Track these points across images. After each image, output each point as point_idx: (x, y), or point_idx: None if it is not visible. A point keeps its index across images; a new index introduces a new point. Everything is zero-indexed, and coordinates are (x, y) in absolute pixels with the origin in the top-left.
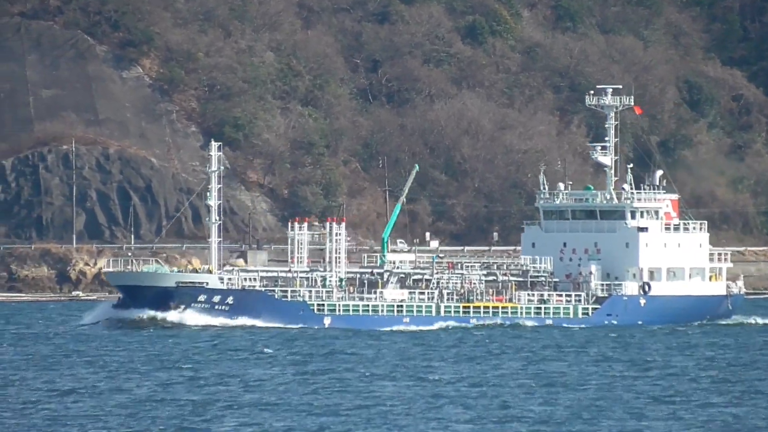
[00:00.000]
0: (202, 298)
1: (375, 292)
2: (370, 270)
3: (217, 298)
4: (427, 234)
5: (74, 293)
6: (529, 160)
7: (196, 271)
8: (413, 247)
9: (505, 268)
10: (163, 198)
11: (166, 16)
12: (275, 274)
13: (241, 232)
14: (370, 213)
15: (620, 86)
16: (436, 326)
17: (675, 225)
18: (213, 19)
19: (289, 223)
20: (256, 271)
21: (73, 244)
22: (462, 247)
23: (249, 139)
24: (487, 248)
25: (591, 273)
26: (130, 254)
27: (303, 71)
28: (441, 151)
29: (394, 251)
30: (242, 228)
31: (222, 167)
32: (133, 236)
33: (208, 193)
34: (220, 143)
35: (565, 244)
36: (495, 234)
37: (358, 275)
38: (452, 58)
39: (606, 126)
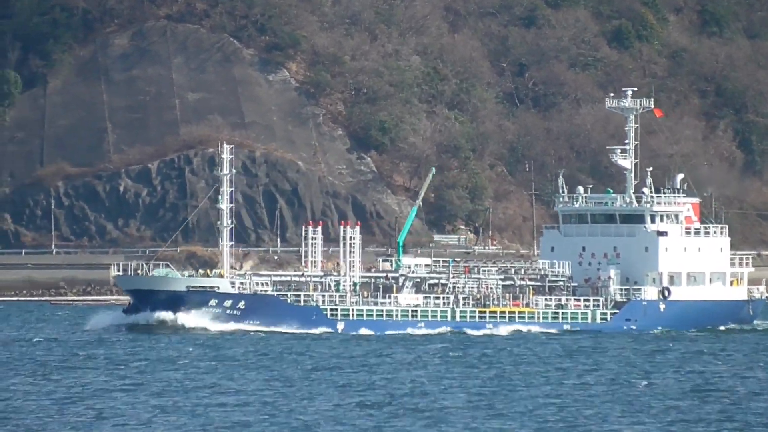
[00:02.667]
0: (213, 302)
1: (390, 297)
2: (384, 274)
3: (228, 303)
4: None
5: None
6: (675, 165)
7: (208, 275)
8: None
9: (522, 272)
10: (309, 201)
11: (313, 19)
12: (288, 278)
13: (387, 236)
14: (516, 217)
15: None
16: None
17: (695, 229)
18: (359, 22)
19: (303, 227)
20: (269, 275)
21: (218, 247)
22: None
23: (395, 143)
24: None
25: (610, 277)
26: (276, 257)
27: (449, 75)
28: (587, 155)
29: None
30: (389, 232)
31: (365, 169)
32: (279, 239)
33: (219, 197)
34: (231, 146)
35: (584, 248)
36: None
37: (373, 280)
38: (598, 62)
39: (626, 129)
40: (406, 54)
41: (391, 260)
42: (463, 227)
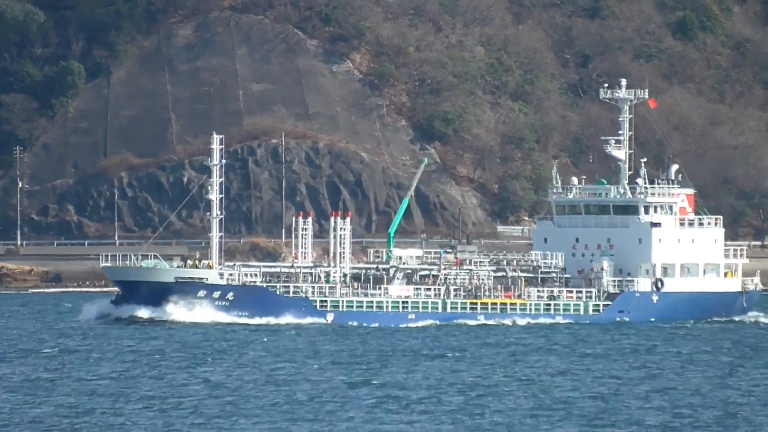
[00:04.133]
0: (201, 293)
1: (380, 288)
2: (375, 266)
3: (216, 294)
4: None
5: None
6: (739, 156)
7: (197, 267)
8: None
9: (515, 264)
10: (373, 192)
11: (377, 10)
12: (278, 269)
13: (450, 227)
14: None
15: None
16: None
17: (689, 220)
18: (423, 13)
19: (294, 218)
20: (258, 266)
21: (282, 238)
22: None
23: (459, 134)
24: None
25: (603, 269)
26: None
27: (513, 66)
28: (651, 146)
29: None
30: (452, 223)
31: (428, 161)
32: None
33: (209, 187)
34: (221, 137)
35: (577, 240)
36: None
37: (364, 271)
38: (662, 54)
39: (620, 119)
40: (470, 45)
41: (383, 252)
42: (526, 218)
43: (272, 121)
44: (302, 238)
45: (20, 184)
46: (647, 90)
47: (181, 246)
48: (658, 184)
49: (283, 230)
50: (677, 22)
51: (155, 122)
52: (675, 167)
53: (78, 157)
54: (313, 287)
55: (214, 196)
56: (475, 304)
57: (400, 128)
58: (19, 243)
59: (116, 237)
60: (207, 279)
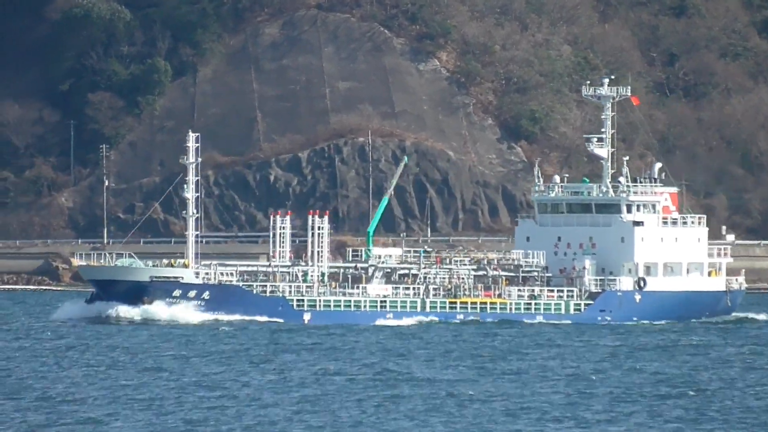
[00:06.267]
0: (177, 292)
1: (358, 288)
2: (354, 265)
3: (192, 293)
4: (723, 228)
5: None
6: None
7: (172, 266)
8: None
9: (496, 263)
10: (460, 191)
11: (463, 9)
12: (255, 268)
13: None
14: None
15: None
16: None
17: (673, 219)
18: (510, 12)
19: (271, 216)
20: (235, 265)
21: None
22: (758, 242)
23: (545, 132)
24: None
25: (585, 268)
26: (428, 246)
27: (600, 65)
28: (738, 145)
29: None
30: None
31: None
32: (429, 229)
33: (185, 185)
34: (197, 135)
35: (559, 239)
36: None
37: (342, 270)
38: (748, 53)
39: (602, 117)
40: (557, 43)
41: (361, 251)
42: None
43: (359, 120)
44: (280, 236)
45: (107, 183)
46: (629, 87)
47: (268, 244)
48: (641, 182)
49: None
50: (763, 21)
51: (241, 120)
52: (658, 165)
53: (164, 156)
54: (290, 286)
55: (191, 194)
56: (455, 303)
57: (486, 127)
58: (105, 241)
59: (203, 235)
60: (183, 278)
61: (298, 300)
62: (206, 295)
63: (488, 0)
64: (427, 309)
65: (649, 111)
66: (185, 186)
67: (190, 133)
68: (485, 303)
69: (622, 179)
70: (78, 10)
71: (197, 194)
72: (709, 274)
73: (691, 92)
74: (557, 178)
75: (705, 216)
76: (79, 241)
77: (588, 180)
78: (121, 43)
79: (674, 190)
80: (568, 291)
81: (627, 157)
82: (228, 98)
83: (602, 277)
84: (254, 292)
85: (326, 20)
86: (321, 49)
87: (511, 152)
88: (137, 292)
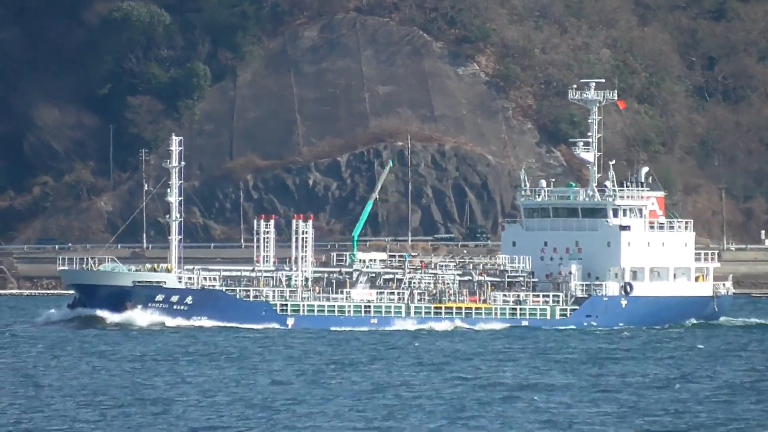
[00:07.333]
0: (159, 297)
1: (342, 292)
2: (338, 269)
3: (175, 298)
4: (762, 232)
5: None
6: None
7: (155, 270)
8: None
9: (481, 267)
10: (499, 195)
11: (502, 12)
12: (238, 273)
13: None
14: (705, 211)
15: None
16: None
17: (660, 223)
18: (549, 15)
19: (255, 220)
20: (218, 270)
21: (408, 240)
22: None
23: (585, 136)
24: None
25: (571, 273)
26: (466, 251)
27: (639, 68)
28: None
29: None
30: None
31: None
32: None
33: (168, 190)
34: (180, 138)
35: (546, 243)
36: None
37: (326, 275)
38: None
39: (589, 121)
40: (596, 47)
41: (346, 255)
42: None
43: (398, 123)
44: (264, 240)
45: (146, 187)
46: (616, 91)
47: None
48: (627, 187)
49: (410, 232)
50: None
51: (281, 124)
52: (645, 170)
53: (204, 160)
54: (274, 291)
55: (174, 198)
56: (439, 308)
57: (526, 130)
58: (144, 246)
59: (242, 239)
60: (165, 283)
61: (281, 305)
62: (189, 299)
63: (527, 3)
64: (412, 314)
65: (688, 114)
66: (169, 190)
67: (173, 137)
68: (470, 308)
69: (608, 183)
70: (117, 14)
71: (240, 196)
72: (697, 279)
73: (730, 96)
74: (543, 182)
75: (692, 221)
76: (119, 245)
77: (574, 184)
78: (160, 46)
79: (661, 194)
80: (554, 296)
81: (613, 161)
82: (267, 102)
83: (588, 282)
84: (237, 296)
85: (365, 24)
86: (360, 52)
87: (551, 156)
88: (120, 298)
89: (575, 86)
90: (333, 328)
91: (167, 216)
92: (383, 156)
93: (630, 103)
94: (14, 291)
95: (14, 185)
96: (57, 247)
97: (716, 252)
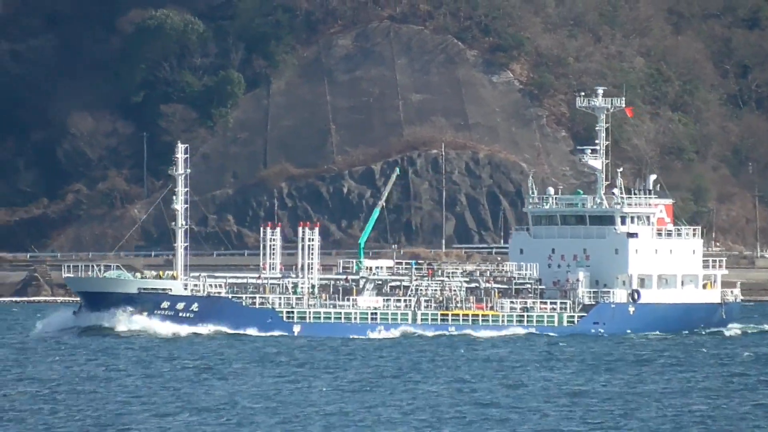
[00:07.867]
0: (165, 304)
1: (349, 300)
2: (345, 276)
3: (181, 305)
4: None
5: None
6: None
7: (161, 277)
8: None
9: (488, 275)
10: None
11: (536, 21)
12: (244, 280)
13: None
14: (739, 219)
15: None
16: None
17: (667, 231)
18: (583, 23)
19: (261, 228)
20: (224, 277)
21: (442, 248)
22: None
23: (618, 144)
24: None
25: (578, 280)
26: (500, 259)
27: (673, 77)
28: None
29: None
30: None
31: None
32: (502, 241)
33: (174, 197)
34: (186, 146)
35: (553, 250)
36: None
37: (333, 282)
38: None
39: (596, 128)
40: (630, 55)
41: (352, 262)
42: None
43: (432, 132)
44: (270, 248)
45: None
46: (623, 99)
47: (341, 256)
48: (635, 194)
49: (443, 240)
50: None
51: (315, 132)
52: (653, 177)
53: (237, 167)
54: (280, 298)
55: (180, 206)
56: (446, 315)
57: (560, 138)
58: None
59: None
60: (171, 290)
61: (288, 312)
62: (195, 306)
63: (561, 12)
64: (419, 321)
65: (722, 123)
66: (174, 198)
67: (179, 144)
68: (477, 315)
69: (616, 191)
70: (151, 22)
71: (274, 204)
72: (704, 286)
73: (764, 104)
74: (551, 189)
75: (699, 227)
76: (152, 253)
77: (581, 192)
78: (194, 54)
79: (669, 201)
80: (561, 303)
81: (621, 169)
82: (301, 110)
83: (596, 290)
84: (243, 304)
85: (399, 32)
86: (394, 60)
87: (584, 164)
88: (126, 304)
89: (582, 93)
90: (341, 336)
91: (173, 223)
92: (417, 164)
93: (664, 112)
94: (48, 298)
95: (48, 193)
96: (91, 254)
97: (723, 259)
